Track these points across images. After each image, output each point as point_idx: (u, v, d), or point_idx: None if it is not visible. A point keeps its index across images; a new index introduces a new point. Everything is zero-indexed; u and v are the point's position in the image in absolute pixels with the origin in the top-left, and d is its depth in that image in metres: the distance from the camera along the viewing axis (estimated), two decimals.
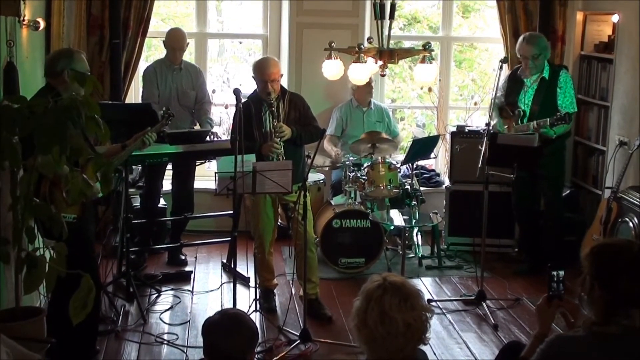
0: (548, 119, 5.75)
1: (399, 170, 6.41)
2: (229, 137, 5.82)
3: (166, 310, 5.59)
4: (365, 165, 6.39)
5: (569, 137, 6.53)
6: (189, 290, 5.99)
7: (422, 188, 6.92)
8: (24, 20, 4.76)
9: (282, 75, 5.58)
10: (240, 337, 2.96)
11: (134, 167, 6.41)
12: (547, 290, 3.09)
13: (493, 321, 5.44)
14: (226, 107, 7.52)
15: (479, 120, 7.52)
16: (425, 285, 6.22)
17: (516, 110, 6.07)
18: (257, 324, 4.83)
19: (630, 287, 2.74)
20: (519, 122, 6.03)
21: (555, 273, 3.08)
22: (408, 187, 6.46)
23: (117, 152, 4.95)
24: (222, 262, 6.54)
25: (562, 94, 6.01)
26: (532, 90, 6.06)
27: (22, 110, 3.45)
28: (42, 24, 5.16)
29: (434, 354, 4.96)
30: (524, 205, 6.37)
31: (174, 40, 6.57)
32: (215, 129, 6.94)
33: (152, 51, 8.19)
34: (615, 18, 6.45)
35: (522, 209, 6.40)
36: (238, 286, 5.18)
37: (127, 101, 6.93)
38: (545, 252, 6.19)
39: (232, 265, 5.54)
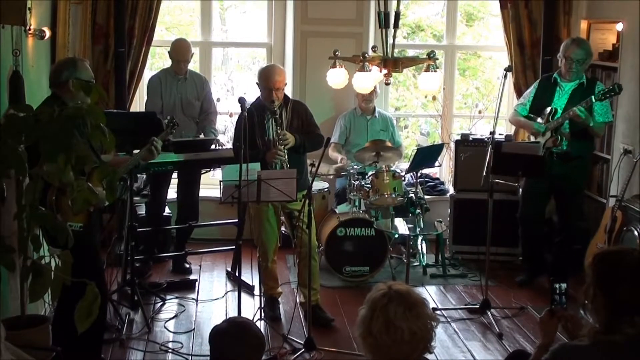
0: (593, 96, 5.71)
1: (403, 178, 6.43)
2: (232, 146, 5.82)
3: (171, 319, 5.59)
4: (369, 173, 6.40)
5: (593, 149, 6.44)
6: (193, 299, 5.99)
7: (426, 196, 6.92)
8: (29, 29, 4.79)
9: (286, 84, 5.59)
10: (247, 345, 2.97)
11: (138, 175, 6.43)
12: (550, 302, 3.09)
13: (498, 330, 5.43)
14: (230, 115, 7.54)
15: (483, 128, 7.53)
16: (430, 294, 6.21)
17: (546, 108, 6.00)
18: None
19: (633, 295, 2.74)
20: (550, 119, 5.95)
21: (557, 285, 3.09)
22: (412, 195, 6.45)
23: (124, 162, 4.95)
24: (227, 271, 6.54)
25: (599, 102, 5.88)
26: (567, 94, 5.99)
27: (28, 118, 3.46)
28: (47, 33, 5.19)
29: None
30: (532, 215, 6.26)
31: (179, 52, 6.58)
32: (219, 137, 6.95)
33: (156, 59, 8.22)
34: (619, 26, 6.45)
35: (529, 219, 6.28)
36: (243, 294, 5.18)
37: (131, 110, 6.95)
38: (557, 262, 6.14)
39: (237, 274, 5.54)
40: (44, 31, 5.08)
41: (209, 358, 3.20)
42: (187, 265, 6.63)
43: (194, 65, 7.22)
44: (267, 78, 5.43)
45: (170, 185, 6.72)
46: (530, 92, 6.27)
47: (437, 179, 7.81)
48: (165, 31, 8.20)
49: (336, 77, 5.31)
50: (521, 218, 6.32)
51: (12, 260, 3.53)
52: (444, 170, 7.75)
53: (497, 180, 5.70)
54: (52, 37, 5.79)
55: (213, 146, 6.42)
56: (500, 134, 6.39)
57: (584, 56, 5.94)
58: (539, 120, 6.05)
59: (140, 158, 5.04)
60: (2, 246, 3.43)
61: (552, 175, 5.79)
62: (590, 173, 6.56)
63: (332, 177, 7.08)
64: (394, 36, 5.08)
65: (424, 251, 6.79)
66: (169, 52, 6.65)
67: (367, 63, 5.06)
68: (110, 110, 6.20)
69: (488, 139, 5.89)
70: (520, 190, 6.41)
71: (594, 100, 5.72)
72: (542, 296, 5.96)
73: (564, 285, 3.09)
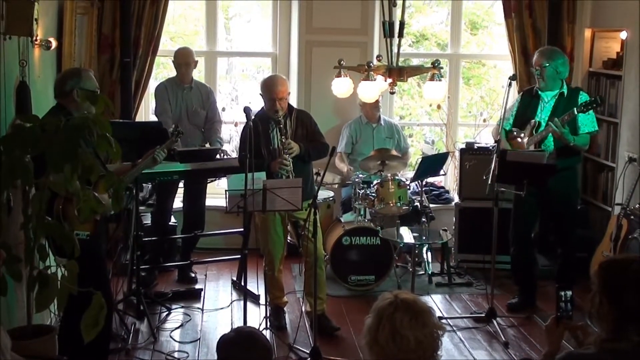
0: (575, 108, 5.63)
1: (408, 187, 6.42)
2: (238, 155, 5.84)
3: (176, 328, 5.59)
4: (374, 182, 6.41)
5: (580, 160, 6.31)
6: (199, 308, 5.99)
7: (431, 205, 6.92)
8: (36, 39, 4.80)
9: (289, 93, 5.60)
10: (255, 355, 2.96)
11: (144, 185, 6.44)
12: (555, 310, 3.09)
13: (504, 338, 5.42)
14: (236, 124, 7.55)
15: (488, 137, 7.53)
16: (436, 303, 6.20)
17: (531, 122, 5.92)
18: None
19: (639, 302, 2.74)
20: (534, 132, 5.87)
21: (563, 293, 3.08)
22: (417, 204, 6.46)
23: (127, 170, 4.98)
24: (232, 280, 6.55)
25: (582, 114, 5.75)
26: (550, 105, 5.89)
27: (35, 129, 3.48)
28: (54, 44, 5.20)
29: None
30: (525, 233, 6.08)
31: (180, 56, 6.64)
32: (224, 147, 6.97)
33: (161, 69, 8.25)
34: (623, 35, 6.46)
35: (522, 237, 6.07)
36: (248, 304, 5.18)
37: (137, 119, 6.97)
38: (562, 271, 6.09)
39: (242, 283, 5.54)
40: (50, 42, 5.10)
41: None
42: (193, 275, 6.64)
43: (198, 75, 7.24)
44: (269, 88, 5.45)
45: (177, 195, 6.74)
46: (513, 106, 6.17)
47: (442, 187, 7.82)
48: (170, 41, 8.23)
49: (341, 86, 5.31)
50: (514, 237, 6.10)
51: (19, 270, 3.54)
52: (449, 178, 7.75)
53: (502, 189, 5.68)
54: (59, 48, 5.81)
55: (218, 156, 6.44)
56: None
57: (545, 62, 5.81)
58: (522, 134, 5.97)
59: (143, 167, 5.05)
60: (9, 256, 3.44)
61: (541, 189, 5.73)
62: (580, 183, 6.44)
63: (337, 186, 7.09)
64: (399, 45, 5.09)
65: (430, 260, 6.78)
66: (172, 60, 6.69)
67: (372, 72, 5.07)
68: (116, 120, 6.22)
69: (493, 147, 5.88)
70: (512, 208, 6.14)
71: (576, 112, 5.64)
72: (547, 305, 5.95)
73: (569, 293, 3.08)
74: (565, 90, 5.89)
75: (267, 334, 5.33)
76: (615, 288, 2.78)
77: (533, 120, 5.89)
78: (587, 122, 5.83)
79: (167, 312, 5.86)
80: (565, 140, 5.69)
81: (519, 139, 5.94)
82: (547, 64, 5.82)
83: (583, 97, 5.83)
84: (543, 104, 5.94)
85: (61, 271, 3.57)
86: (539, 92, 5.96)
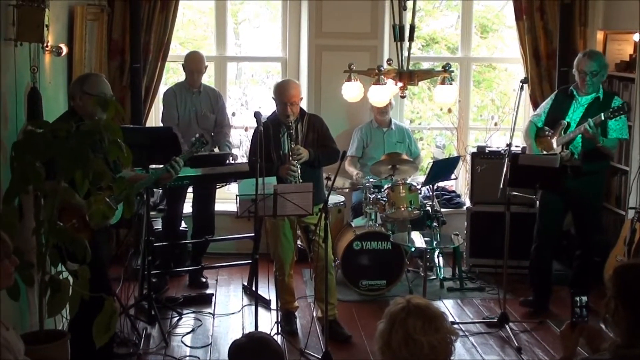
0: (602, 114, 5.54)
1: (419, 191, 6.40)
2: (247, 160, 5.84)
3: (188, 333, 5.58)
4: (385, 186, 6.39)
5: (608, 165, 6.20)
6: (210, 313, 5.98)
7: (442, 209, 6.90)
8: (47, 46, 4.82)
9: (302, 99, 5.59)
10: None
11: (155, 190, 6.44)
12: (570, 315, 3.06)
13: (516, 344, 5.38)
14: (246, 129, 7.56)
15: (499, 140, 7.50)
16: (447, 308, 6.17)
17: (561, 122, 5.86)
18: None
19: None
20: (562, 133, 5.82)
21: (578, 298, 3.06)
22: (429, 208, 6.43)
23: (140, 179, 4.94)
24: (243, 285, 6.54)
25: (615, 119, 5.69)
26: (583, 108, 5.82)
27: (46, 134, 3.49)
28: (64, 50, 5.22)
29: None
30: (549, 230, 6.05)
31: (192, 62, 6.62)
32: (234, 152, 6.97)
33: (170, 74, 8.26)
34: (636, 37, 6.42)
35: (546, 234, 6.04)
36: (259, 309, 5.16)
37: (147, 125, 6.98)
38: (578, 275, 6.05)
39: (254, 288, 5.53)
40: (60, 48, 5.11)
41: None
42: (204, 280, 6.64)
43: (208, 80, 7.24)
44: (282, 93, 5.44)
45: (186, 200, 6.74)
46: (546, 103, 6.17)
47: (454, 191, 7.79)
48: (179, 46, 8.25)
49: (351, 91, 5.31)
50: (538, 232, 6.09)
51: (31, 275, 3.55)
52: (460, 183, 7.73)
53: (514, 193, 5.65)
54: (69, 54, 5.82)
55: (228, 160, 6.43)
56: (516, 146, 6.34)
57: (597, 68, 5.74)
58: (554, 140, 5.94)
59: (156, 177, 5.00)
60: (21, 261, 3.44)
61: (567, 190, 5.71)
62: (604, 188, 6.36)
63: (347, 190, 7.07)
64: (409, 49, 5.08)
65: (441, 264, 6.77)
66: (182, 64, 6.69)
67: (382, 76, 5.06)
68: (126, 126, 6.22)
69: (504, 151, 5.86)
70: (537, 204, 6.31)
71: (602, 117, 5.56)
72: (561, 309, 5.92)
73: (584, 298, 3.05)
74: (601, 94, 5.83)
75: (278, 339, 5.32)
76: (630, 293, 2.75)
77: (563, 121, 5.86)
78: (616, 127, 5.75)
79: (178, 317, 5.85)
80: (596, 140, 5.62)
81: (549, 138, 5.93)
82: (601, 70, 5.76)
83: (616, 103, 5.74)
84: (577, 105, 5.88)
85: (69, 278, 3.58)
86: (575, 93, 5.92)
